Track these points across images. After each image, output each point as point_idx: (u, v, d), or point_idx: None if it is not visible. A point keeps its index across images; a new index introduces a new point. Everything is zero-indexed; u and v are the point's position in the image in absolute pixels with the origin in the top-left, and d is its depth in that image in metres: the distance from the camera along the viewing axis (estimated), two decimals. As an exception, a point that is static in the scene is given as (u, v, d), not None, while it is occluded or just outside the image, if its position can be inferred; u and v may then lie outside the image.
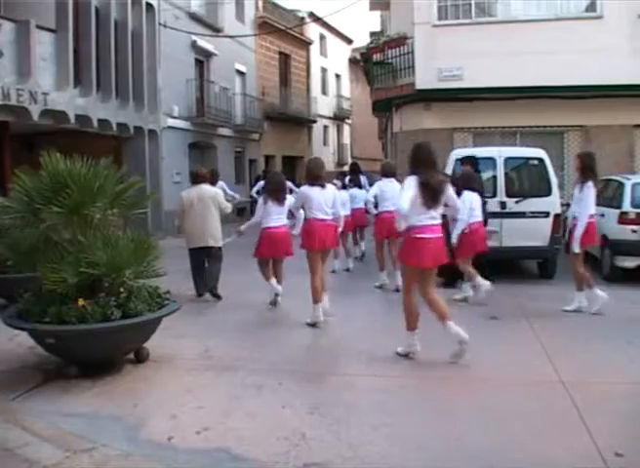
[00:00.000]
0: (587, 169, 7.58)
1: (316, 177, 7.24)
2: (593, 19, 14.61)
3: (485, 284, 8.15)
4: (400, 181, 8.22)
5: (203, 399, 4.80)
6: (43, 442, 4.00)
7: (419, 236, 5.61)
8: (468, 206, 8.22)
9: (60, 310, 5.09)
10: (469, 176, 8.80)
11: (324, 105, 35.67)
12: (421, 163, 5.79)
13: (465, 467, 3.70)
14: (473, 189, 8.50)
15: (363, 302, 8.65)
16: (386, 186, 9.40)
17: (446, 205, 5.88)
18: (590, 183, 7.50)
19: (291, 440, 4.02)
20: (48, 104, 13.40)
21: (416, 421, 4.36)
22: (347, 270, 11.26)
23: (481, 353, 5.92)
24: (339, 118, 38.97)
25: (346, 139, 40.82)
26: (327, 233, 7.23)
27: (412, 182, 5.65)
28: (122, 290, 5.49)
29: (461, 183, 8.41)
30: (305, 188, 7.32)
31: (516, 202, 9.61)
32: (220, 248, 8.76)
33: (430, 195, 5.63)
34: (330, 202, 7.27)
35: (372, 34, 25.44)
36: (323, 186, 7.28)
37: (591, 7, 14.91)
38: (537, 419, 4.33)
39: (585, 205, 7.45)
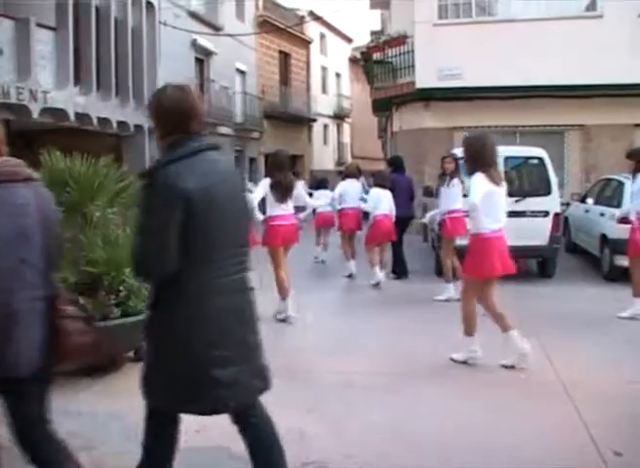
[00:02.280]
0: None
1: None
2: (593, 18, 14.63)
3: (378, 275, 9.37)
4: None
5: (202, 397, 4.79)
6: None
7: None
8: (375, 199, 9.52)
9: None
10: (382, 176, 10.16)
11: (324, 104, 35.66)
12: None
13: (464, 465, 3.70)
14: (383, 186, 9.65)
15: (358, 300, 8.66)
16: (350, 186, 10.45)
17: None
18: (456, 180, 8.36)
19: (289, 438, 4.00)
20: (48, 102, 13.40)
21: (414, 420, 4.36)
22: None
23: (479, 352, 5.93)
24: (339, 117, 38.96)
25: (346, 138, 40.81)
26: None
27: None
28: (122, 288, 5.48)
29: (375, 181, 10.02)
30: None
31: (516, 201, 9.60)
32: None
33: None
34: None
35: (372, 33, 25.46)
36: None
37: (591, 6, 14.93)
38: (535, 418, 4.33)
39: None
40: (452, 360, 5.64)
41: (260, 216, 7.34)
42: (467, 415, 4.42)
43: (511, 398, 4.77)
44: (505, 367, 5.41)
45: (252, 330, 2.91)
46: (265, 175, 7.57)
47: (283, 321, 7.24)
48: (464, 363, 5.59)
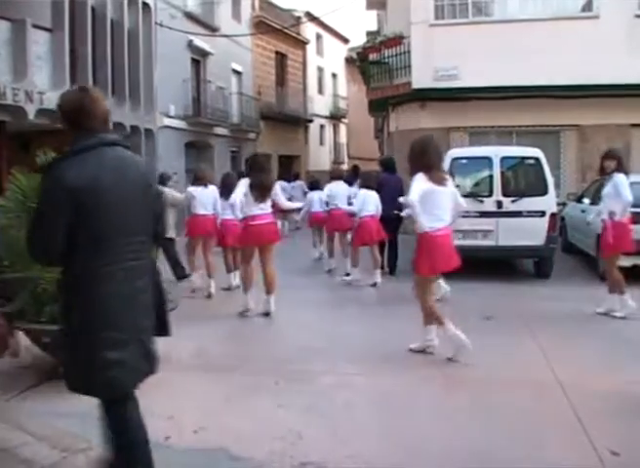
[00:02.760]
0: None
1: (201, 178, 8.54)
2: (590, 18, 14.67)
3: (354, 275, 9.93)
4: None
5: (199, 398, 4.80)
6: (39, 441, 3.99)
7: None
8: (361, 200, 9.73)
9: (56, 310, 5.07)
10: (367, 177, 10.64)
11: (320, 105, 35.67)
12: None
13: (462, 466, 3.70)
14: (370, 187, 9.87)
15: (355, 301, 8.67)
16: (336, 188, 10.83)
17: None
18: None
19: (287, 439, 4.02)
20: (44, 104, 13.36)
21: (412, 421, 4.37)
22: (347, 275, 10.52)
23: (477, 353, 5.93)
24: (335, 117, 38.97)
25: (343, 139, 40.84)
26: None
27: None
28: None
29: (360, 183, 10.46)
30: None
31: (512, 201, 9.62)
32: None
33: None
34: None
35: (368, 33, 25.46)
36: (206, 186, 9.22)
37: (588, 6, 14.97)
38: (533, 419, 4.34)
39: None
40: (410, 350, 5.97)
41: (239, 215, 7.64)
42: (465, 415, 4.43)
43: (509, 398, 4.77)
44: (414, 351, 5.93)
45: (144, 314, 3.06)
46: (245, 176, 7.78)
47: (244, 315, 7.66)
48: (422, 351, 5.91)
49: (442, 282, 8.31)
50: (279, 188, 8.25)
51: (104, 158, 2.86)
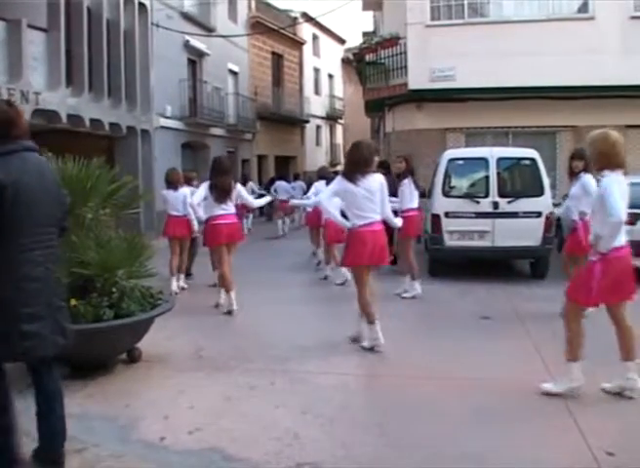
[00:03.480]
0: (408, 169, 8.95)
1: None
2: (585, 19, 14.69)
3: (328, 271, 10.28)
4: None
5: (195, 399, 4.80)
6: (35, 442, 3.98)
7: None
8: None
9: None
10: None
11: (317, 105, 35.69)
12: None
13: (457, 466, 3.71)
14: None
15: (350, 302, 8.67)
16: (321, 187, 10.48)
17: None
18: (406, 181, 8.86)
19: (283, 440, 4.02)
20: (40, 104, 13.34)
21: (408, 421, 4.37)
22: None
23: (473, 353, 5.95)
24: (331, 118, 39.01)
25: (339, 139, 40.87)
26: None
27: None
28: (114, 290, 5.48)
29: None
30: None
31: (508, 202, 9.63)
32: None
33: None
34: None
35: (364, 34, 25.48)
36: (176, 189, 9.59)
37: (583, 8, 14.98)
38: (529, 419, 4.34)
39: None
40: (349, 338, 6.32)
41: (202, 216, 8.22)
42: (460, 416, 4.43)
43: (504, 398, 4.78)
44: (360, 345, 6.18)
45: (56, 294, 3.57)
46: (209, 178, 8.09)
47: (229, 313, 7.78)
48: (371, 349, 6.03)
49: (417, 283, 8.65)
50: (242, 189, 8.49)
51: (27, 161, 3.42)
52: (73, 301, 5.14)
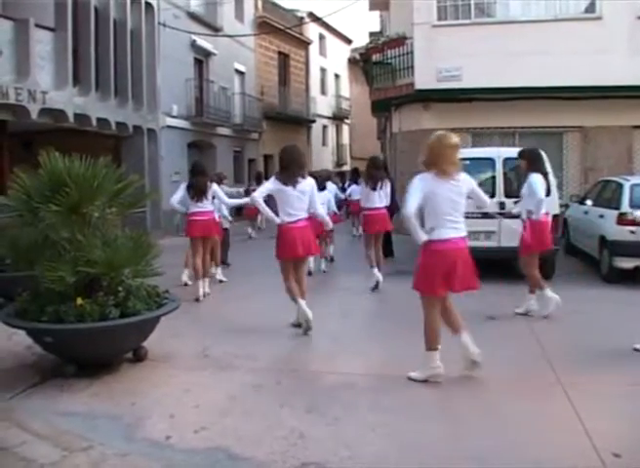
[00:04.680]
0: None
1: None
2: (592, 19, 14.62)
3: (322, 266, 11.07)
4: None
5: (201, 398, 4.80)
6: (40, 440, 4.00)
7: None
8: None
9: (58, 309, 5.09)
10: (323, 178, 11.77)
11: (323, 105, 35.67)
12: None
13: (462, 467, 3.70)
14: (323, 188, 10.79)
15: (356, 301, 8.67)
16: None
17: None
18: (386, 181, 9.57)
19: (289, 439, 4.02)
20: (46, 103, 13.39)
21: (414, 422, 4.36)
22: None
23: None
24: (337, 118, 38.98)
25: (345, 139, 40.82)
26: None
27: None
28: (120, 289, 5.48)
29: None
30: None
31: (515, 202, 9.59)
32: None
33: None
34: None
35: (371, 34, 25.45)
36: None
37: (591, 8, 14.92)
38: (535, 420, 4.33)
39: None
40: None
41: (176, 207, 9.19)
42: (466, 416, 4.42)
43: (510, 399, 4.77)
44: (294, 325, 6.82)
45: None
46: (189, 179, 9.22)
47: (197, 300, 8.55)
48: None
49: (376, 271, 9.33)
50: (218, 189, 9.19)
51: None
52: (79, 300, 5.15)
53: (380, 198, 9.44)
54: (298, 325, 6.79)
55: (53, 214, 5.29)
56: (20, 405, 4.68)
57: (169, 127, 19.31)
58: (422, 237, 5.01)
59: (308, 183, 6.82)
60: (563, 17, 14.76)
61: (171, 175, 18.99)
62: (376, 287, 9.30)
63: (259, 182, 15.84)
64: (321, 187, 11.91)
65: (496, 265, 10.53)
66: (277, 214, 6.83)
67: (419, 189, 4.98)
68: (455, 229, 5.06)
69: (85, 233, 5.41)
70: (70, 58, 14.25)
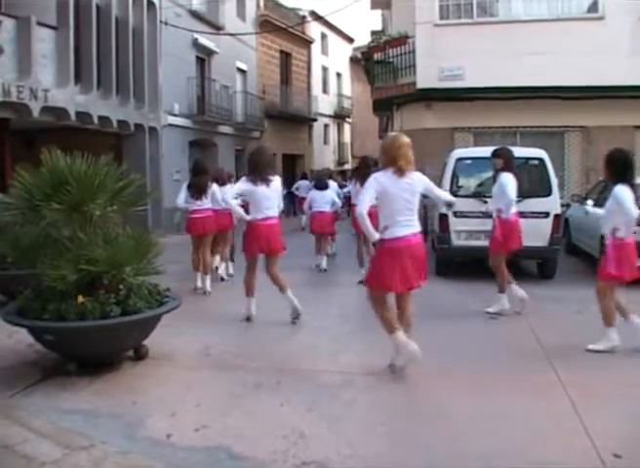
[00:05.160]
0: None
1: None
2: (595, 19, 14.63)
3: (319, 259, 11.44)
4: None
5: (202, 397, 4.80)
6: (41, 438, 4.00)
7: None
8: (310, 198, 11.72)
9: (60, 307, 5.09)
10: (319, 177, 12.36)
11: (325, 104, 35.65)
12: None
13: (464, 467, 3.70)
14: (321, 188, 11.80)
15: (357, 300, 8.66)
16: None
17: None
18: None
19: (289, 438, 4.02)
20: (48, 101, 13.39)
21: (414, 421, 4.37)
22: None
23: (480, 352, 5.94)
24: (339, 117, 38.95)
25: (347, 138, 40.81)
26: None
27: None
28: (121, 287, 5.49)
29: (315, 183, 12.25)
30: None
31: (516, 202, 9.57)
32: None
33: None
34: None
35: (373, 33, 25.43)
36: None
37: (593, 8, 14.92)
38: (535, 420, 4.33)
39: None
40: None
41: (183, 207, 9.45)
42: (467, 416, 4.42)
43: (511, 399, 4.77)
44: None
45: None
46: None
47: (195, 289, 9.16)
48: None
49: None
50: (217, 189, 9.40)
51: None
52: (81, 298, 5.16)
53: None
54: (247, 318, 7.33)
55: (54, 213, 5.30)
56: (22, 403, 4.68)
57: (170, 125, 19.30)
58: (375, 236, 5.19)
59: (278, 183, 7.31)
60: (565, 16, 14.77)
61: (172, 173, 19.00)
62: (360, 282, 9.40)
63: None
64: (324, 186, 12.04)
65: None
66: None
67: (373, 188, 5.17)
68: (408, 226, 5.20)
69: (86, 231, 5.42)
70: (72, 56, 14.24)
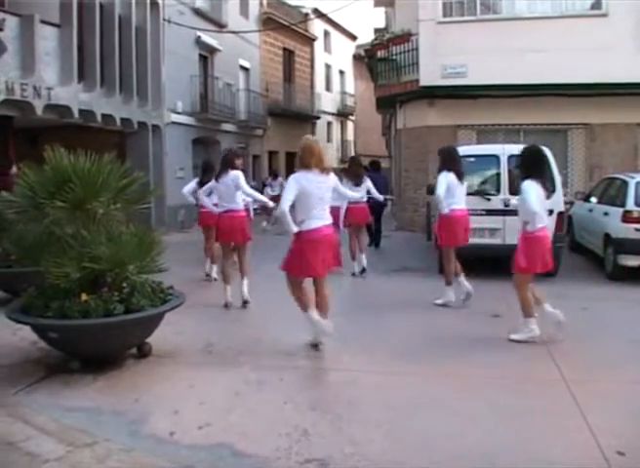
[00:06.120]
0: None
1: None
2: (598, 16, 14.57)
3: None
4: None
5: (205, 394, 4.81)
6: (45, 436, 4.01)
7: None
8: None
9: (63, 305, 5.10)
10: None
11: (328, 102, 35.63)
12: None
13: (467, 465, 3.70)
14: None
15: (360, 299, 8.67)
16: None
17: None
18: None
19: (292, 436, 4.03)
20: (52, 99, 13.40)
21: (417, 418, 4.37)
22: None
23: (483, 350, 5.94)
24: (342, 114, 38.93)
25: (350, 136, 40.79)
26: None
27: None
28: (125, 285, 5.50)
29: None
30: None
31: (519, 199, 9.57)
32: None
33: None
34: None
35: (376, 31, 25.42)
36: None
37: (596, 4, 14.87)
38: (539, 417, 4.33)
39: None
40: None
41: (185, 194, 10.05)
42: (469, 414, 4.42)
43: (514, 396, 4.77)
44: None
45: None
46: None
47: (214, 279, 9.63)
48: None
49: (356, 264, 10.28)
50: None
51: None
52: (84, 296, 5.17)
53: (361, 193, 10.06)
54: (225, 304, 7.91)
55: (57, 210, 5.30)
56: (25, 400, 4.69)
57: (173, 123, 19.30)
58: (294, 229, 5.76)
59: (230, 178, 7.84)
60: (569, 13, 14.71)
61: (175, 171, 19.01)
62: (362, 271, 10.21)
63: (274, 178, 19.70)
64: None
65: (500, 262, 10.52)
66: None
67: (293, 188, 5.72)
68: (321, 219, 5.83)
69: (90, 229, 5.42)
70: (75, 54, 14.24)
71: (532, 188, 6.18)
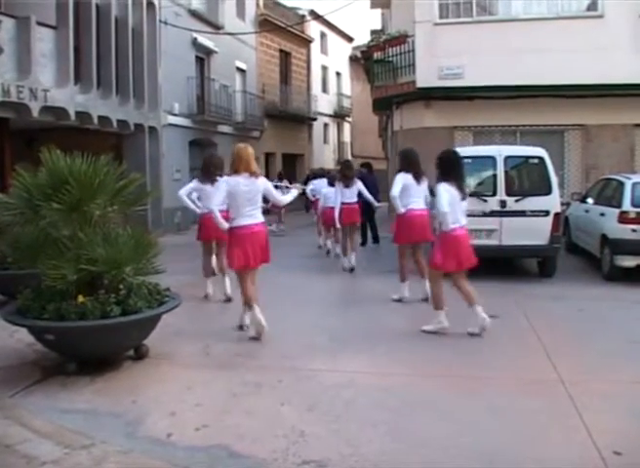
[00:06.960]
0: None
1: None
2: (594, 18, 14.60)
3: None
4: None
5: (202, 396, 4.81)
6: (42, 438, 4.00)
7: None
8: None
9: (60, 307, 5.09)
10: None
11: (324, 103, 35.62)
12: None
13: (465, 465, 3.70)
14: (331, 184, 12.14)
15: (358, 298, 8.67)
16: (318, 184, 14.58)
17: None
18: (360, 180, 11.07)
19: (289, 437, 4.02)
20: (48, 101, 13.37)
21: (415, 419, 4.37)
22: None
23: (480, 351, 5.94)
24: (339, 116, 38.92)
25: (347, 137, 40.76)
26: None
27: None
28: (122, 286, 5.49)
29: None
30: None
31: (516, 200, 9.60)
32: None
33: None
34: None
35: (372, 32, 25.41)
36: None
37: (592, 6, 14.90)
38: (536, 418, 4.33)
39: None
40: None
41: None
42: (467, 414, 4.43)
43: (511, 397, 4.77)
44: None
45: None
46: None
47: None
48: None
49: (346, 261, 10.74)
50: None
51: None
52: (81, 298, 5.16)
53: (352, 194, 10.79)
54: (205, 295, 8.47)
55: (54, 212, 5.30)
56: (22, 402, 4.69)
57: (170, 125, 19.29)
58: (225, 225, 6.47)
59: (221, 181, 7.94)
60: (565, 15, 14.74)
61: (172, 172, 19.00)
62: (351, 270, 10.69)
63: (280, 179, 19.55)
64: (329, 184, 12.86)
65: (497, 263, 10.55)
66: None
67: (224, 189, 6.39)
68: (251, 217, 6.43)
69: (86, 231, 5.42)
70: (72, 55, 14.22)
71: (444, 191, 6.47)
